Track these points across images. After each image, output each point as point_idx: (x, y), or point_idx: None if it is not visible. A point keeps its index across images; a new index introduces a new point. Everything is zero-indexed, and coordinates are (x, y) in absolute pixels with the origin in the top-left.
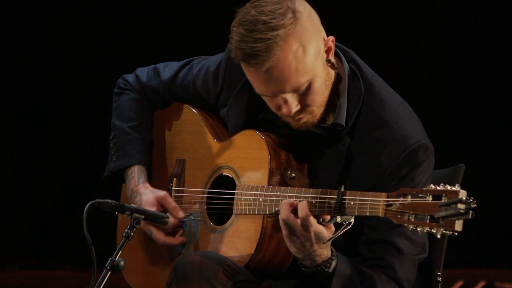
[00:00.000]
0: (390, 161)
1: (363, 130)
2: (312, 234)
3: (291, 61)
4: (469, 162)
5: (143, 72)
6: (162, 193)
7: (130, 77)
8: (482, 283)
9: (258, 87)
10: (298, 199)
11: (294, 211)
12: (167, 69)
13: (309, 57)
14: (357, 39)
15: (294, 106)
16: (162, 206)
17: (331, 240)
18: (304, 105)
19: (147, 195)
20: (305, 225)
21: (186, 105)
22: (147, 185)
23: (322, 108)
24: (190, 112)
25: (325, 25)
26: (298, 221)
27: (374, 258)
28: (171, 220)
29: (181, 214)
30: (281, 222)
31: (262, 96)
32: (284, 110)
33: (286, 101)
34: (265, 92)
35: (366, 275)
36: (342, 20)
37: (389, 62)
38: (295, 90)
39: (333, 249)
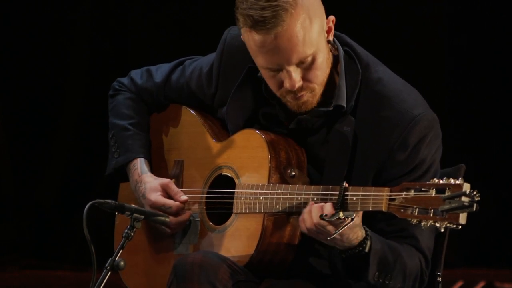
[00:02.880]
0: (397, 135)
1: (366, 109)
2: (346, 228)
3: (299, 30)
4: (469, 162)
5: (137, 75)
6: (166, 180)
7: (124, 80)
8: (482, 283)
9: (264, 58)
10: (299, 196)
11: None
12: (160, 71)
13: (315, 30)
14: (357, 38)
15: (298, 80)
16: (166, 192)
17: (335, 234)
18: (306, 80)
19: (151, 183)
20: (336, 225)
21: (184, 106)
22: (151, 174)
23: (322, 88)
24: (188, 113)
25: None
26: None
27: (394, 231)
28: (175, 205)
29: (184, 198)
30: (313, 228)
31: (264, 70)
32: (288, 84)
33: (290, 75)
34: (270, 63)
35: (394, 247)
36: (342, 19)
37: (389, 62)
38: (299, 63)
39: (366, 227)
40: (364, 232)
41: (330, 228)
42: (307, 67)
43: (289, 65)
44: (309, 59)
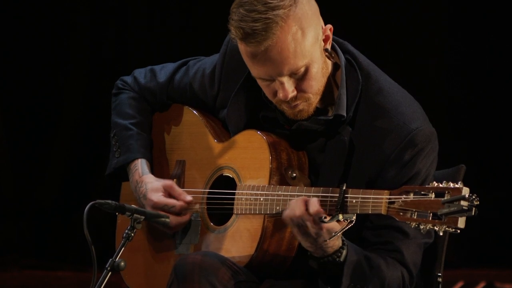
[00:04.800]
0: (393, 148)
1: (364, 119)
2: (324, 230)
3: (290, 42)
4: (469, 162)
5: (140, 74)
6: (169, 181)
7: (128, 79)
8: (482, 284)
9: (256, 69)
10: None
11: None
12: (164, 71)
13: (308, 41)
14: (357, 38)
15: (291, 91)
16: (168, 194)
17: (335, 236)
18: (300, 90)
19: (152, 183)
20: (317, 222)
21: (186, 106)
22: (152, 175)
23: (318, 97)
24: (190, 113)
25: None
26: (311, 218)
27: (380, 243)
28: (179, 205)
29: (188, 198)
30: (293, 220)
31: (259, 80)
32: (281, 94)
33: (282, 86)
34: (262, 74)
35: (374, 260)
36: (341, 18)
37: (389, 62)
38: (292, 74)
39: (344, 238)
40: (341, 241)
41: (315, 228)
42: (300, 77)
43: (281, 77)
44: (302, 70)
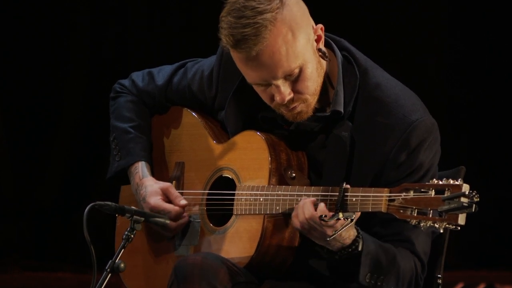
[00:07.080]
0: (395, 140)
1: (363, 114)
2: (339, 224)
3: (281, 45)
4: (469, 162)
5: (138, 77)
6: (166, 184)
7: (126, 82)
8: (482, 285)
9: (250, 75)
10: (299, 198)
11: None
12: (162, 73)
13: (299, 42)
14: (356, 37)
15: (287, 93)
16: (166, 196)
17: (335, 235)
18: (297, 92)
19: (151, 186)
20: (333, 225)
21: (185, 108)
22: (152, 178)
23: (316, 97)
24: (189, 115)
25: (324, 24)
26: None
27: (390, 234)
28: (174, 210)
29: (183, 202)
30: (305, 222)
31: (255, 86)
32: (278, 98)
33: (278, 89)
34: (257, 79)
35: (388, 249)
36: (341, 18)
37: (388, 61)
38: (286, 77)
39: (357, 227)
40: (355, 231)
41: (326, 228)
42: (295, 79)
43: (276, 80)
44: (296, 71)
